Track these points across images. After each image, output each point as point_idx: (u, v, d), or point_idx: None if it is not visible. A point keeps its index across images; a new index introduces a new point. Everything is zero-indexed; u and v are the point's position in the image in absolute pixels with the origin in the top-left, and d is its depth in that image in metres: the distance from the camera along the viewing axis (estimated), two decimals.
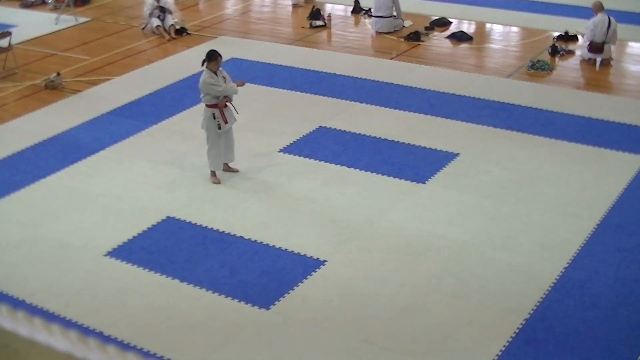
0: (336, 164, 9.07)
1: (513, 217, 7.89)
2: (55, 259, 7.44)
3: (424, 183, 8.60)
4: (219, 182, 8.72)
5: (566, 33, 13.16)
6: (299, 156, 9.30)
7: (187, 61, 12.26)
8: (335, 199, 8.33)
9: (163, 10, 14.06)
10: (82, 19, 15.21)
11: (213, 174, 8.78)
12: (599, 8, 11.92)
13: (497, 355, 6.00)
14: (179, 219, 8.06)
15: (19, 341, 1.31)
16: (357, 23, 14.69)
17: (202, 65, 8.55)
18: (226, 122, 8.58)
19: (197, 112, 8.67)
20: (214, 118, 8.53)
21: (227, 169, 8.93)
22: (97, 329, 6.42)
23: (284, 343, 6.21)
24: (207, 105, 8.56)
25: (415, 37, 13.42)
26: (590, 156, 9.12)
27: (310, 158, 9.24)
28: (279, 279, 7.02)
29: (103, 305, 6.74)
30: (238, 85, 8.62)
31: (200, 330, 6.39)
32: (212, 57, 8.47)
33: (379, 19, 13.85)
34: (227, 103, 8.61)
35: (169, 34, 13.87)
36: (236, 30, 14.30)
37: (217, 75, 8.48)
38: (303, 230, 7.78)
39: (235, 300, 6.73)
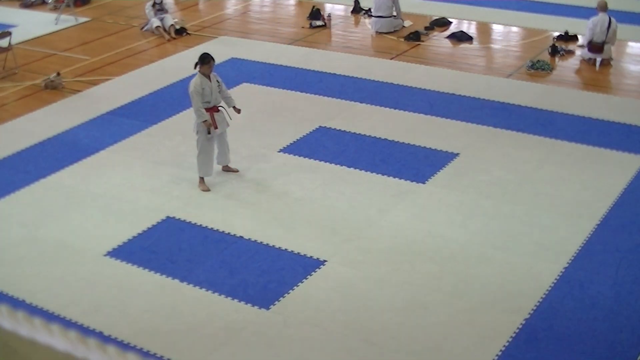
0: (336, 164, 9.07)
1: (513, 217, 7.89)
2: (55, 259, 7.43)
3: (424, 183, 8.60)
4: (208, 190, 8.52)
5: (566, 33, 13.16)
6: (299, 156, 9.29)
7: (187, 61, 12.21)
8: (335, 199, 8.33)
9: (161, 9, 14.04)
10: (82, 19, 15.21)
11: (201, 180, 8.59)
12: (603, 7, 11.88)
13: (497, 355, 6.00)
14: (179, 219, 8.06)
15: (19, 341, 1.31)
16: (357, 23, 14.69)
17: (195, 68, 8.44)
18: (216, 128, 8.48)
19: None
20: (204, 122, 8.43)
21: (227, 169, 8.91)
22: (97, 329, 6.42)
23: (284, 343, 6.21)
24: None
25: (415, 37, 13.42)
26: (590, 156, 9.12)
27: (310, 158, 9.24)
28: (279, 279, 7.02)
29: (103, 305, 6.74)
30: (205, 124, 8.33)
31: (200, 330, 6.38)
32: (205, 60, 8.36)
33: (379, 19, 13.85)
34: (220, 108, 8.53)
35: (169, 34, 13.87)
36: (236, 30, 14.30)
37: (210, 79, 8.40)
38: (303, 230, 7.78)
39: (235, 300, 6.73)
